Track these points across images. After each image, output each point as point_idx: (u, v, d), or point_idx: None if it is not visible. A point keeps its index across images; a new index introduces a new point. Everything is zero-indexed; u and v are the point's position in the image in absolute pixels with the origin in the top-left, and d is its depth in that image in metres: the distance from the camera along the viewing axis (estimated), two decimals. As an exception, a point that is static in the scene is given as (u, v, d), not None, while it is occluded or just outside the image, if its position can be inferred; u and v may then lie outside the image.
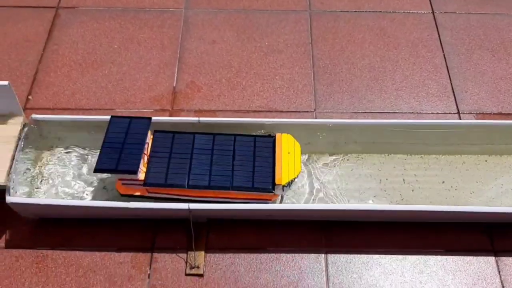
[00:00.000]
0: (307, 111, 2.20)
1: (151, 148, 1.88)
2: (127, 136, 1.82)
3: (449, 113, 2.19)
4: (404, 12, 2.61)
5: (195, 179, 1.77)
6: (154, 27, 2.50)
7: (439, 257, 1.80)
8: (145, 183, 1.80)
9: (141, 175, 1.82)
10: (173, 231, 1.85)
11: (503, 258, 1.81)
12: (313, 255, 1.81)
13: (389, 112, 2.19)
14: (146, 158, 1.87)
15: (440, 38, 2.49)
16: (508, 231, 1.86)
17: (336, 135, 2.00)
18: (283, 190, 1.83)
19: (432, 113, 2.20)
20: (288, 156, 1.83)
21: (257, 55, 2.40)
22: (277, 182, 1.77)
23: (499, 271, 1.78)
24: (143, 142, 1.84)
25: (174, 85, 2.28)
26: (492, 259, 1.80)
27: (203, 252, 1.81)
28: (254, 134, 1.91)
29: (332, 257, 1.80)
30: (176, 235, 1.84)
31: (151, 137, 1.92)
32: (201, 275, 1.76)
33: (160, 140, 1.87)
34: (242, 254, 1.81)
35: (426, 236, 1.85)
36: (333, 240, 1.84)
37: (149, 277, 1.76)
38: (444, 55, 2.42)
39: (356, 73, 2.34)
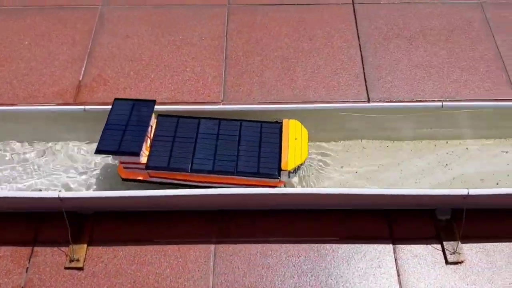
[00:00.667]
0: (214, 102, 2.15)
1: (154, 132, 1.85)
2: (130, 118, 1.79)
3: (359, 101, 2.14)
4: (325, 4, 2.57)
5: (198, 164, 1.73)
6: (68, 24, 2.47)
7: (334, 245, 1.74)
8: (147, 166, 1.76)
9: (144, 159, 1.78)
10: (58, 223, 1.77)
11: (401, 246, 1.74)
12: (202, 246, 1.75)
13: (297, 102, 2.14)
14: (149, 141, 1.83)
15: (358, 28, 2.45)
16: (407, 219, 1.79)
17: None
18: (289, 177, 1.77)
19: (341, 101, 2.14)
20: (295, 142, 1.79)
21: (170, 49, 2.36)
22: (282, 167, 1.72)
23: (395, 259, 1.71)
24: (146, 124, 1.77)
25: (80, 79, 2.24)
26: (389, 246, 1.74)
27: (85, 245, 1.74)
28: (260, 120, 1.88)
29: (221, 247, 1.74)
30: (62, 228, 1.77)
31: (155, 121, 1.89)
32: (80, 268, 1.69)
33: (164, 124, 1.84)
34: (127, 247, 1.75)
35: (324, 223, 1.79)
36: (226, 230, 1.78)
37: (26, 271, 1.69)
38: (360, 44, 2.38)
39: (268, 64, 2.30)
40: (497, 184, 1.84)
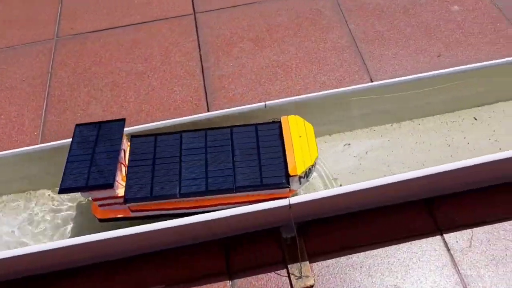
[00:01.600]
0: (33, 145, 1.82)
1: (129, 157, 1.50)
2: (97, 144, 1.47)
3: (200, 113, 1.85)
4: (163, 19, 2.31)
5: (188, 186, 1.41)
6: None
7: None
8: (125, 199, 1.40)
9: (120, 191, 1.43)
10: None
11: (240, 280, 1.43)
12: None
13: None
14: (124, 169, 1.48)
15: (199, 38, 2.19)
16: (245, 246, 1.49)
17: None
18: (300, 183, 1.44)
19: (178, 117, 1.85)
20: (300, 140, 1.48)
21: (-16, 97, 2.05)
22: (291, 173, 1.40)
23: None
24: (117, 148, 1.44)
25: None
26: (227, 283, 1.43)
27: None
28: (254, 123, 1.56)
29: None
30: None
31: (128, 144, 1.54)
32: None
33: (139, 145, 1.52)
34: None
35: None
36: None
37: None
38: (200, 55, 2.11)
39: (95, 94, 2.00)
40: (340, 185, 1.57)
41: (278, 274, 1.42)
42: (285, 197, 1.38)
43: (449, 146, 1.65)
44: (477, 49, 1.98)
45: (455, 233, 1.46)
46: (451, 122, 1.72)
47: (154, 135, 1.54)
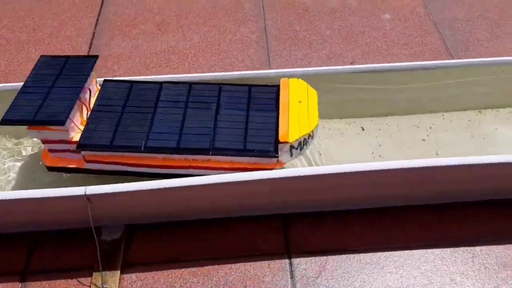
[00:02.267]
0: None
1: (95, 101, 1.27)
2: (58, 78, 1.25)
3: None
4: (71, -8, 2.10)
5: (157, 140, 1.18)
6: None
7: None
8: (79, 145, 1.17)
9: (76, 135, 1.20)
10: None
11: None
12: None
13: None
14: (86, 113, 1.25)
15: (100, 15, 1.96)
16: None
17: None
18: (291, 154, 1.20)
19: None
20: (299, 105, 1.25)
21: None
22: (281, 139, 1.17)
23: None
24: (80, 85, 1.22)
25: None
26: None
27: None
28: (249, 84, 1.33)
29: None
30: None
31: (98, 88, 1.33)
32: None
33: (110, 90, 1.30)
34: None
35: None
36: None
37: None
38: (94, 32, 1.88)
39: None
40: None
41: (80, 282, 1.16)
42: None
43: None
44: (396, 60, 1.75)
45: (306, 258, 1.21)
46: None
47: (130, 82, 1.32)
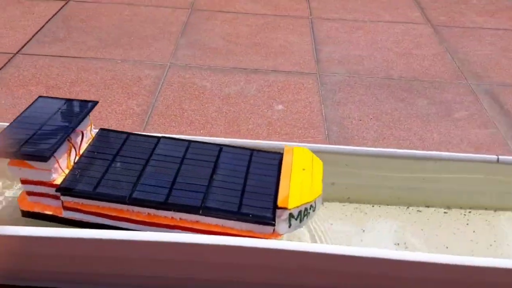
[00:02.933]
0: None
1: (87, 147, 1.22)
2: (51, 118, 1.20)
3: None
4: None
5: (144, 191, 1.10)
6: None
7: None
8: (60, 188, 1.10)
9: (58, 179, 1.12)
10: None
11: None
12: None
13: None
14: (75, 157, 1.19)
15: None
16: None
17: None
18: (289, 225, 1.09)
19: None
20: (303, 173, 1.17)
21: None
22: (280, 204, 1.07)
23: None
24: (71, 125, 1.17)
25: None
26: None
27: None
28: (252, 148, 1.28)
29: None
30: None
31: (93, 135, 1.27)
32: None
33: (105, 139, 1.25)
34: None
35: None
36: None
37: None
38: None
39: None
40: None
41: None
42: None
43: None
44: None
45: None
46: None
47: (128, 133, 1.28)
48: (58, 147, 1.10)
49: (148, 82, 2.03)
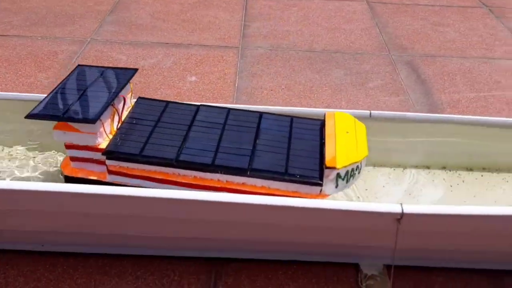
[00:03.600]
0: None
1: (128, 114, 1.21)
2: (93, 84, 1.21)
3: None
4: None
5: (190, 154, 1.09)
6: None
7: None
8: (106, 151, 1.08)
9: (103, 144, 1.11)
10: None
11: None
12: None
13: None
14: (117, 123, 1.18)
15: None
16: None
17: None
18: (336, 185, 1.06)
19: None
20: (347, 136, 1.15)
21: None
22: (328, 163, 1.04)
23: None
24: (115, 90, 1.17)
25: None
26: None
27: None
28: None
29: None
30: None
31: (131, 104, 1.26)
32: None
33: (144, 107, 1.25)
34: None
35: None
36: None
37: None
38: None
39: None
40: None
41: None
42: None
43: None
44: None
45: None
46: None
47: (167, 102, 1.27)
48: (103, 111, 1.09)
49: (63, 56, 2.02)
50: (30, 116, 1.08)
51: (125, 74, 1.26)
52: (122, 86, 1.20)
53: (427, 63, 2.12)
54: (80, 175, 1.13)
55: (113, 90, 1.18)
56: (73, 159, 1.14)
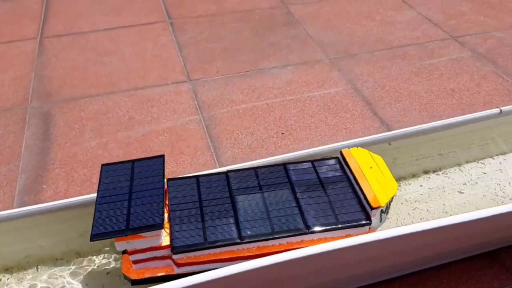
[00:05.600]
0: None
1: (169, 201, 1.24)
2: (133, 183, 1.22)
3: None
4: None
5: (250, 228, 1.16)
6: None
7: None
8: (173, 248, 1.13)
9: (164, 239, 1.16)
10: None
11: None
12: None
13: None
14: (166, 215, 1.20)
15: None
16: None
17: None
18: (380, 220, 1.22)
19: None
20: (372, 170, 1.29)
21: None
22: (373, 204, 1.19)
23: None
24: (159, 186, 1.21)
25: None
26: None
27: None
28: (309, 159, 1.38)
29: None
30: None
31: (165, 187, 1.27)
32: None
33: (179, 188, 1.26)
34: None
35: None
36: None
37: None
38: None
39: None
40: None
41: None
42: None
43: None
44: None
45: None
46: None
47: (194, 177, 1.33)
48: (163, 211, 1.15)
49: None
50: (93, 237, 1.10)
51: (157, 164, 1.30)
52: (162, 178, 1.25)
53: (65, 111, 2.01)
54: (147, 275, 1.17)
55: (158, 185, 1.22)
56: (135, 262, 1.17)
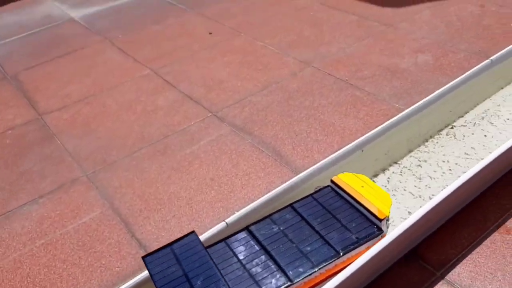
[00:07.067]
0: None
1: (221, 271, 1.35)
2: (181, 267, 1.29)
3: None
4: None
5: (294, 269, 1.32)
6: None
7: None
8: None
9: None
10: None
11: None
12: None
13: None
14: None
15: None
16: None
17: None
18: (387, 227, 1.45)
19: None
20: (364, 189, 1.50)
21: None
22: (380, 216, 1.41)
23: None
24: (207, 260, 1.31)
25: None
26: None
27: None
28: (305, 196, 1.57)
29: None
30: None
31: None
32: None
33: (217, 254, 1.38)
34: None
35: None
36: None
37: None
38: None
39: None
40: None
41: None
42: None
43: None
44: None
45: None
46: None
47: (222, 241, 1.43)
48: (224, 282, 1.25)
49: None
50: None
51: (194, 241, 1.35)
52: (205, 253, 1.31)
53: None
54: None
55: (206, 260, 1.29)
56: None
